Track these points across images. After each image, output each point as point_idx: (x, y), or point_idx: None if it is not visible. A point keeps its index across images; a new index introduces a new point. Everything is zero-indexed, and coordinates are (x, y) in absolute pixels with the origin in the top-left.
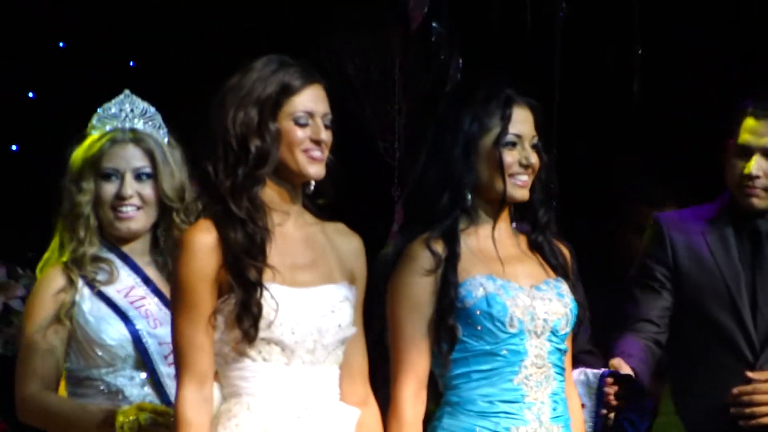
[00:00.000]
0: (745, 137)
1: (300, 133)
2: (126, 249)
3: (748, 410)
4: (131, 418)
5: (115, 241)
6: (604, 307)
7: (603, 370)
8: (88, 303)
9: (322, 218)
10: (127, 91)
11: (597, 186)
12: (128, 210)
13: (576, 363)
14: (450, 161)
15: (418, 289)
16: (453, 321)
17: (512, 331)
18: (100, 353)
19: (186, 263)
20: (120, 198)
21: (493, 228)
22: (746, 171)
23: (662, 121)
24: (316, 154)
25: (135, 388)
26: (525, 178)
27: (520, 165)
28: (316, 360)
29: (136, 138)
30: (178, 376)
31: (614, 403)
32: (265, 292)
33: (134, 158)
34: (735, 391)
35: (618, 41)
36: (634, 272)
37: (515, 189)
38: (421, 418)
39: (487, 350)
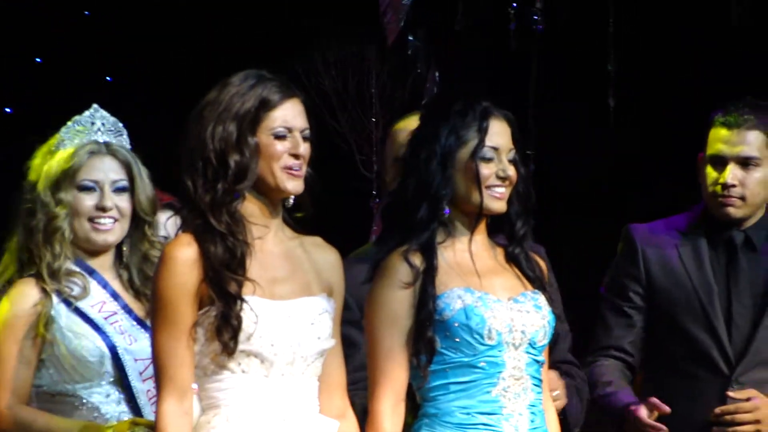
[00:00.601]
0: (718, 147)
1: (279, 147)
2: (93, 263)
3: (730, 429)
4: None
5: (83, 255)
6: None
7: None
8: (64, 318)
9: (301, 233)
10: (95, 105)
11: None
12: (107, 222)
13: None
14: (427, 174)
15: (396, 301)
16: (431, 333)
17: (490, 343)
18: (78, 368)
19: (167, 277)
20: (100, 209)
21: (470, 240)
22: (722, 180)
23: (637, 132)
24: (295, 169)
25: (110, 404)
26: (502, 191)
27: (497, 177)
28: (295, 372)
29: (112, 151)
30: (159, 390)
31: None
32: (244, 305)
33: (112, 171)
34: (717, 411)
35: (593, 55)
36: (607, 289)
37: (492, 201)
38: (400, 431)
39: (465, 362)
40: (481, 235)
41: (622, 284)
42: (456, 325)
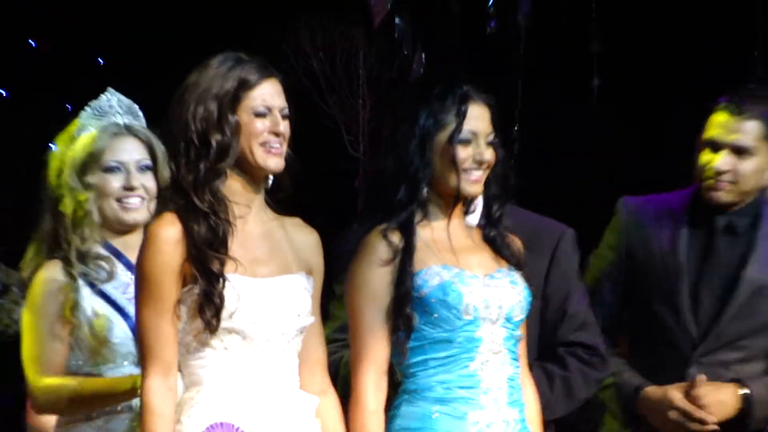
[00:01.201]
0: (715, 132)
1: (259, 125)
2: (119, 244)
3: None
4: None
5: (111, 237)
6: None
7: None
8: (88, 300)
9: (281, 213)
10: (110, 89)
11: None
12: (135, 201)
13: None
14: (406, 155)
15: (376, 279)
16: (410, 310)
17: (467, 318)
18: (101, 350)
19: (151, 256)
20: (128, 189)
21: (448, 221)
22: (713, 165)
23: (620, 117)
24: (275, 146)
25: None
26: (479, 174)
27: (474, 161)
28: (276, 348)
29: (133, 131)
30: (144, 367)
31: None
32: (227, 283)
33: (135, 151)
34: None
35: (578, 40)
36: (592, 258)
37: (468, 185)
38: (383, 406)
39: (443, 337)
40: (458, 217)
41: (604, 255)
42: (433, 300)
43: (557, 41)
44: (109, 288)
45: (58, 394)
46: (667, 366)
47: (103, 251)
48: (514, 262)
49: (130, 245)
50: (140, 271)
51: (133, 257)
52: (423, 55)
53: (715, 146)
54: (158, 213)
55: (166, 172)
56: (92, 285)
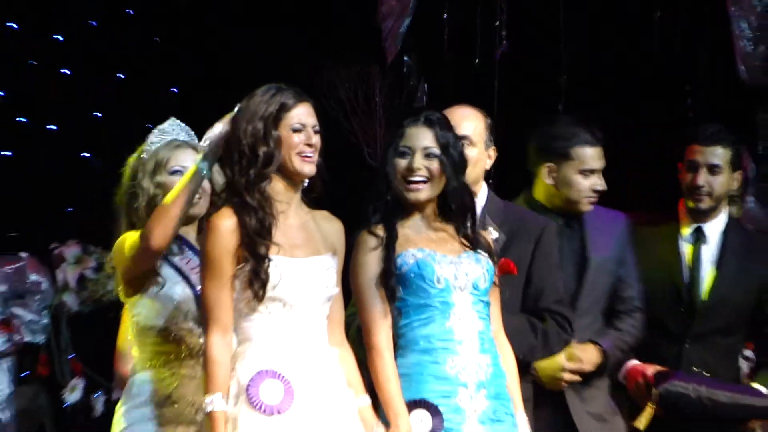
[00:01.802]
0: (694, 156)
1: (296, 138)
2: (183, 231)
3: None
4: None
5: None
6: None
7: None
8: (163, 269)
9: (313, 208)
10: (172, 117)
11: None
12: (200, 200)
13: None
14: (384, 171)
15: (369, 263)
16: (393, 283)
17: (440, 287)
18: (167, 307)
19: (214, 241)
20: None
21: (421, 217)
22: (695, 182)
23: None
24: (309, 155)
25: (194, 337)
26: (414, 183)
27: (408, 170)
28: (309, 312)
29: (192, 146)
30: (207, 327)
31: None
32: (271, 263)
33: (192, 160)
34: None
35: (547, 70)
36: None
37: (407, 192)
38: (393, 355)
39: (422, 303)
40: (427, 213)
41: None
42: (412, 275)
43: (529, 73)
44: (176, 260)
45: (155, 216)
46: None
47: None
48: (481, 249)
49: (189, 232)
50: (205, 254)
51: (191, 240)
52: (426, 86)
53: (695, 166)
54: (214, 209)
55: (216, 176)
56: (164, 257)
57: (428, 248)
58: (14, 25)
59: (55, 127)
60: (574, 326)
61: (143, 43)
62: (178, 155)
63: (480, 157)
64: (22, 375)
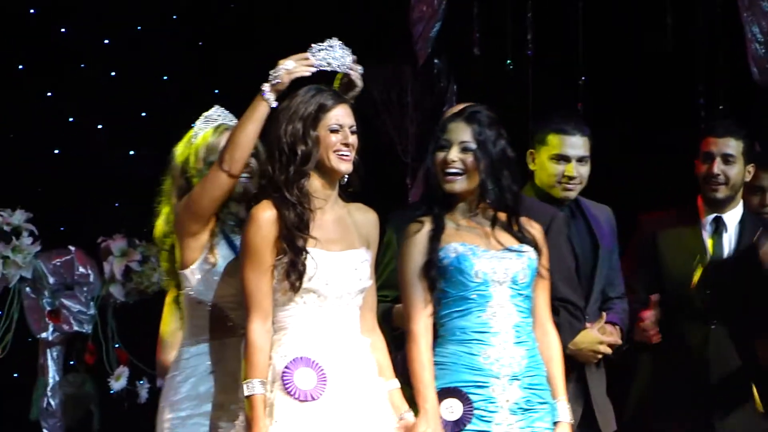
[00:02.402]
0: (709, 148)
1: (333, 138)
2: (235, 210)
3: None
4: None
5: None
6: None
7: None
8: (219, 246)
9: (349, 201)
10: (217, 105)
11: None
12: (243, 180)
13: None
14: (426, 164)
15: (414, 253)
16: (434, 274)
17: (478, 281)
18: (220, 283)
19: (254, 231)
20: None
21: (469, 211)
22: (710, 171)
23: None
24: (346, 154)
25: (241, 311)
26: (451, 175)
27: (445, 163)
28: (342, 303)
29: None
30: (248, 314)
31: None
32: (308, 256)
33: None
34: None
35: (566, 73)
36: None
37: (444, 183)
38: (431, 344)
39: (461, 296)
40: (472, 206)
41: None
42: (452, 268)
43: (552, 76)
44: (232, 237)
45: (226, 145)
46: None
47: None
48: (526, 241)
49: (240, 210)
50: (246, 243)
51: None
52: (455, 87)
53: (710, 157)
54: (256, 201)
55: (262, 158)
56: (223, 233)
57: (471, 242)
58: (64, 30)
59: (101, 126)
60: (587, 311)
61: (187, 46)
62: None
63: None
64: (70, 363)
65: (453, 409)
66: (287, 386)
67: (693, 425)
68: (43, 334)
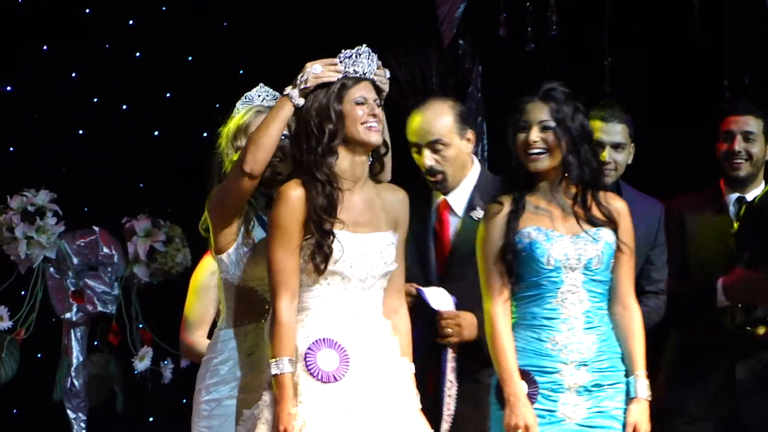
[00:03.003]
0: (729, 126)
1: (359, 111)
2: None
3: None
4: None
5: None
6: None
7: None
8: (255, 230)
9: (377, 182)
10: (261, 84)
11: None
12: (274, 161)
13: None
14: (507, 146)
15: (492, 234)
16: (510, 258)
17: (549, 267)
18: (256, 267)
19: (283, 209)
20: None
21: (550, 190)
22: (732, 147)
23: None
24: (374, 125)
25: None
26: (534, 155)
27: (526, 144)
28: (366, 286)
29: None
30: (275, 292)
31: None
32: (335, 239)
33: None
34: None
35: (593, 53)
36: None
37: (528, 163)
38: (509, 325)
39: (533, 281)
40: (554, 187)
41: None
42: (524, 254)
43: (577, 59)
44: (266, 220)
45: (248, 143)
46: None
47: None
48: (608, 224)
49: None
50: (274, 221)
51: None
52: (480, 68)
53: (731, 135)
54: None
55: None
56: (258, 216)
57: (547, 226)
58: (88, 11)
59: (126, 107)
60: None
61: (211, 27)
62: (258, 121)
63: (456, 150)
64: (93, 344)
65: None
66: (310, 367)
67: (719, 408)
68: (67, 315)
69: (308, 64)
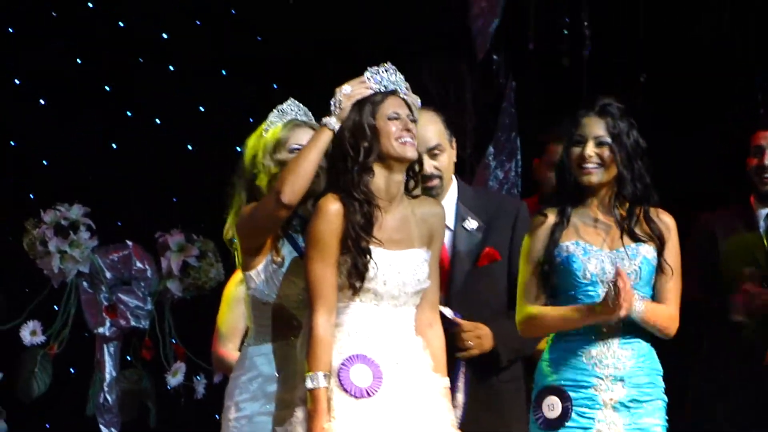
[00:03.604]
0: (759, 141)
1: (393, 127)
2: (302, 211)
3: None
4: None
5: None
6: None
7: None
8: (284, 247)
9: (414, 197)
10: (291, 98)
11: None
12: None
13: None
14: (562, 159)
15: (533, 245)
16: (547, 267)
17: (585, 281)
18: (286, 284)
19: (321, 223)
20: None
21: (601, 204)
22: (762, 163)
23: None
24: (408, 139)
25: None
26: (588, 167)
27: (581, 158)
28: (399, 303)
29: (310, 125)
30: (313, 306)
31: None
32: (370, 259)
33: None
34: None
35: (625, 68)
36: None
37: (581, 176)
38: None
39: (570, 294)
40: (603, 202)
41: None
42: (562, 267)
43: (612, 73)
44: (296, 237)
45: (285, 171)
46: None
47: None
48: (652, 240)
49: (306, 210)
50: (312, 235)
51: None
52: (513, 83)
53: (760, 150)
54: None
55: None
56: (286, 233)
57: (587, 241)
58: (122, 24)
59: (159, 121)
60: None
61: (245, 42)
62: (297, 134)
63: (449, 157)
64: (126, 359)
65: (553, 406)
66: (343, 383)
67: (748, 419)
68: (100, 329)
69: (338, 89)
